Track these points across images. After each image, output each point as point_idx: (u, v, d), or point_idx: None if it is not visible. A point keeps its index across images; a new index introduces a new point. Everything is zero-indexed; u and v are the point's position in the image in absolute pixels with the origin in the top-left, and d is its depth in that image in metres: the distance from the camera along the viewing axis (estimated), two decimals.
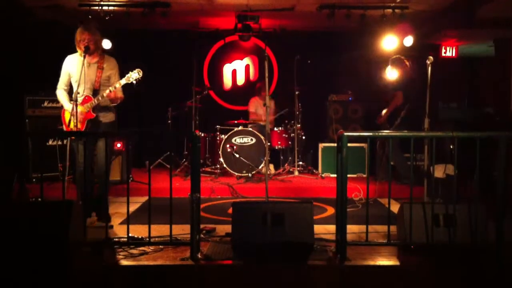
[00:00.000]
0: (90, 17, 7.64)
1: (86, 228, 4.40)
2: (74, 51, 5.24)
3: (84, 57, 5.07)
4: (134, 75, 5.10)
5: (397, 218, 4.53)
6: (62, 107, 5.38)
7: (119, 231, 4.99)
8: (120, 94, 5.26)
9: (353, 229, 4.81)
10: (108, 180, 5.41)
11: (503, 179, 4.16)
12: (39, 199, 4.77)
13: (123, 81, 5.09)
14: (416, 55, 7.63)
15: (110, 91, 5.07)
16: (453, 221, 4.18)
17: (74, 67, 5.19)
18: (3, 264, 3.70)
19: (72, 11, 7.83)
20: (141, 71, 5.11)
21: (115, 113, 5.41)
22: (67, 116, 5.20)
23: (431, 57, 5.39)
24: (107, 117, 5.30)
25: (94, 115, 5.15)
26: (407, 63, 7.30)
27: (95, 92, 5.15)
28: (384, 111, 7.48)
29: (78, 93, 5.06)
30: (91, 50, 5.11)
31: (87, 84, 5.16)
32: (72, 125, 5.03)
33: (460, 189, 4.31)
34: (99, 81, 5.19)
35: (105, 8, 7.69)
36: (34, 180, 7.33)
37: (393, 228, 4.45)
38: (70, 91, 5.30)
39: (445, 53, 8.72)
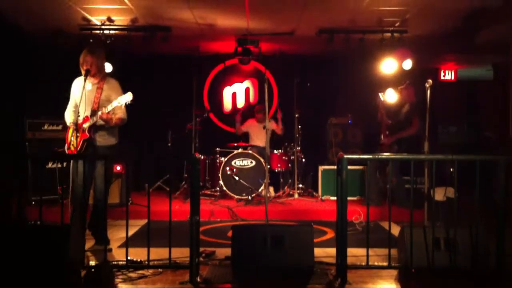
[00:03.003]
0: (91, 40, 7.70)
1: (85, 251, 4.37)
2: (75, 75, 5.29)
3: (85, 79, 5.11)
4: (123, 99, 5.07)
5: (397, 241, 4.51)
6: (63, 129, 5.40)
7: (118, 254, 4.96)
8: (120, 115, 5.24)
9: (353, 252, 4.77)
10: (106, 203, 5.39)
11: (503, 202, 4.16)
12: (38, 222, 4.74)
13: (115, 103, 5.08)
14: (415, 79, 7.68)
15: (103, 112, 5.07)
16: (454, 245, 4.16)
17: (77, 90, 5.24)
18: None
19: (73, 36, 7.90)
20: (131, 94, 5.08)
21: (116, 135, 5.38)
22: (69, 135, 5.22)
23: (430, 81, 5.43)
24: (104, 139, 5.26)
25: (88, 135, 5.13)
26: (413, 89, 7.38)
27: (93, 112, 5.16)
28: (385, 134, 7.49)
29: (79, 115, 5.10)
30: (92, 73, 5.16)
31: (88, 105, 5.19)
32: (71, 147, 5.07)
33: (460, 211, 4.29)
34: (98, 101, 5.19)
35: (106, 32, 7.76)
36: (33, 202, 7.30)
37: (393, 251, 4.43)
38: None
39: (444, 76, 8.79)
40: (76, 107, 5.28)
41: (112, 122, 5.18)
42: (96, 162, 5.16)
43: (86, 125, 5.14)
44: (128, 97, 5.08)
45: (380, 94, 7.52)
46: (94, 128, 5.18)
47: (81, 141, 5.14)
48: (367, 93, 8.31)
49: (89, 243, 5.30)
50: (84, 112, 5.18)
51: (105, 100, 5.20)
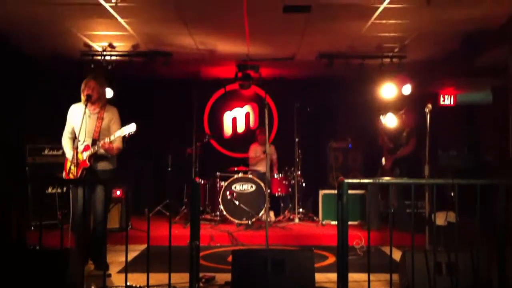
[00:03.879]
0: (92, 66, 7.76)
1: (84, 276, 4.34)
2: (75, 100, 5.31)
3: (86, 105, 5.13)
4: (127, 129, 5.10)
5: (399, 266, 4.48)
6: (63, 154, 5.41)
7: (118, 279, 4.92)
8: (118, 144, 5.24)
9: (354, 278, 4.74)
10: (105, 228, 5.38)
11: (504, 226, 4.14)
12: (37, 247, 4.72)
13: (118, 133, 5.10)
14: (414, 103, 7.71)
15: (105, 142, 5.08)
16: (456, 269, 4.13)
17: (75, 116, 5.24)
18: None
19: (75, 61, 7.97)
20: (135, 125, 5.10)
21: (114, 161, 5.39)
22: (68, 163, 5.22)
23: (429, 105, 5.46)
24: (103, 166, 5.28)
25: (89, 164, 5.15)
26: (411, 115, 7.43)
27: (94, 141, 5.18)
28: (387, 157, 7.50)
29: (79, 141, 5.11)
30: (93, 99, 5.18)
31: (88, 134, 5.20)
32: (70, 175, 5.07)
33: (462, 236, 4.27)
34: (98, 131, 5.21)
35: (107, 58, 7.82)
36: (32, 227, 7.27)
37: (395, 276, 4.39)
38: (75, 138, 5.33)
39: (443, 101, 8.81)
40: (73, 133, 5.29)
41: (113, 152, 5.21)
42: (96, 187, 5.16)
43: (86, 154, 5.15)
44: (132, 128, 5.09)
45: (381, 117, 7.54)
46: (94, 157, 5.19)
47: (81, 170, 5.15)
48: (367, 117, 8.35)
49: (89, 269, 5.27)
50: (84, 140, 5.19)
51: (105, 130, 5.22)
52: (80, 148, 5.17)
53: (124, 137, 5.16)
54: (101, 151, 5.16)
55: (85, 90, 5.19)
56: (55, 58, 8.02)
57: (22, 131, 7.86)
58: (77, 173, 5.12)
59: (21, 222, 6.88)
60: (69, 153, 5.26)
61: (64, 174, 5.33)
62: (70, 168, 5.14)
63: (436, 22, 6.38)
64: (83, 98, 5.22)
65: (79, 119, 5.15)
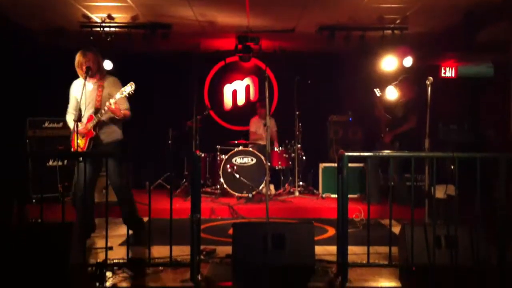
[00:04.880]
0: (91, 38, 7.70)
1: (86, 250, 4.37)
2: (75, 74, 5.28)
3: (85, 78, 5.10)
4: (127, 89, 5.11)
5: (398, 240, 4.50)
6: (63, 127, 5.41)
7: (119, 252, 4.95)
8: (124, 108, 5.25)
9: (354, 250, 4.77)
10: (131, 196, 5.49)
11: (504, 200, 4.15)
12: (39, 221, 4.75)
13: (118, 95, 5.10)
14: (415, 75, 7.67)
15: (110, 103, 5.07)
16: (455, 243, 4.15)
17: (77, 91, 5.23)
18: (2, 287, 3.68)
19: (74, 34, 7.90)
20: (134, 84, 5.11)
21: (120, 131, 5.40)
22: (74, 138, 5.22)
23: (430, 78, 5.42)
24: (110, 136, 5.29)
25: (94, 133, 5.16)
26: (408, 84, 7.37)
27: (97, 111, 5.18)
28: (385, 131, 7.49)
29: (83, 115, 5.12)
30: (93, 70, 5.16)
31: (90, 105, 5.20)
32: (78, 149, 5.09)
33: (461, 210, 4.29)
34: (100, 99, 5.20)
35: (106, 29, 7.75)
36: (34, 200, 7.31)
37: (394, 249, 4.42)
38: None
39: (444, 73, 8.75)
40: (77, 108, 5.28)
41: (120, 113, 5.20)
42: (104, 161, 5.16)
43: (91, 124, 5.15)
44: (130, 87, 5.11)
45: (376, 90, 7.52)
46: (99, 125, 5.19)
47: (88, 140, 5.16)
48: (367, 91, 8.29)
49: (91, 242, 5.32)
50: (86, 111, 5.19)
51: (107, 98, 5.19)
52: (84, 120, 5.17)
53: (126, 97, 5.17)
54: (105, 118, 5.17)
55: (83, 64, 5.15)
56: (55, 31, 7.94)
57: (23, 103, 7.85)
58: (84, 144, 5.14)
59: (22, 195, 6.91)
60: (73, 126, 5.26)
61: (71, 149, 5.32)
62: (77, 142, 5.14)
63: None
64: (80, 71, 5.19)
65: (80, 91, 5.14)
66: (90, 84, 5.24)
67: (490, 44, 7.70)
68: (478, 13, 6.91)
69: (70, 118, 5.35)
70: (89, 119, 5.18)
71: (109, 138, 5.28)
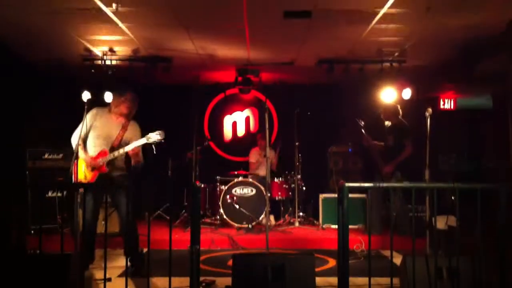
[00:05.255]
0: (93, 71, 7.78)
1: (84, 281, 4.33)
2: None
3: (110, 110, 5.26)
4: (154, 136, 5.11)
5: (399, 271, 4.47)
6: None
7: (117, 284, 4.90)
8: (140, 154, 5.31)
9: (355, 282, 4.73)
10: (136, 231, 5.47)
11: (504, 230, 4.13)
12: (38, 251, 4.71)
13: (143, 140, 5.13)
14: (415, 108, 7.73)
15: (135, 147, 5.13)
16: (457, 274, 4.12)
17: (98, 121, 5.30)
18: None
19: (75, 66, 7.98)
20: (163, 134, 5.13)
21: (124, 167, 5.44)
22: (80, 167, 5.23)
23: (430, 109, 5.47)
24: (117, 171, 5.35)
25: (107, 170, 5.19)
26: (399, 109, 7.45)
27: (113, 149, 5.24)
28: (381, 161, 7.52)
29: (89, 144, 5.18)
30: (127, 118, 5.35)
31: (107, 140, 5.25)
32: (81, 176, 5.11)
33: (463, 240, 4.27)
34: (120, 139, 5.29)
35: (108, 62, 7.84)
36: (32, 232, 7.27)
37: (396, 280, 4.38)
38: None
39: (443, 105, 8.82)
40: (87, 136, 5.30)
41: (139, 159, 5.28)
42: (116, 192, 5.17)
43: (104, 160, 5.18)
44: (159, 136, 5.13)
45: (358, 120, 7.60)
46: (111, 163, 5.23)
47: (97, 175, 5.18)
48: (367, 121, 8.34)
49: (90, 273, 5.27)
50: (99, 145, 5.24)
51: (125, 143, 5.27)
52: (92, 151, 5.22)
53: (151, 147, 5.18)
54: (119, 161, 5.25)
55: (129, 107, 5.35)
56: (56, 63, 8.03)
57: (22, 135, 7.87)
58: (92, 178, 5.15)
59: (21, 226, 6.88)
60: (84, 155, 5.26)
61: (73, 177, 5.32)
62: (84, 172, 5.17)
63: (436, 28, 6.41)
64: (116, 110, 5.33)
65: (102, 124, 5.27)
66: (112, 120, 5.31)
67: (488, 76, 7.78)
68: (476, 46, 7.00)
69: (78, 142, 5.31)
70: (102, 153, 5.21)
71: (119, 172, 5.35)
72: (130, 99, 5.39)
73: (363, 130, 7.67)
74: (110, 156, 5.17)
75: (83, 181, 5.16)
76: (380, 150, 7.59)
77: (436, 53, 7.61)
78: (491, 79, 7.85)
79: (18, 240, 6.03)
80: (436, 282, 4.12)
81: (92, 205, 4.94)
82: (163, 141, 5.13)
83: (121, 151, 5.16)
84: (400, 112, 7.50)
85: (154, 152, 5.23)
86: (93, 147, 5.21)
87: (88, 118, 5.33)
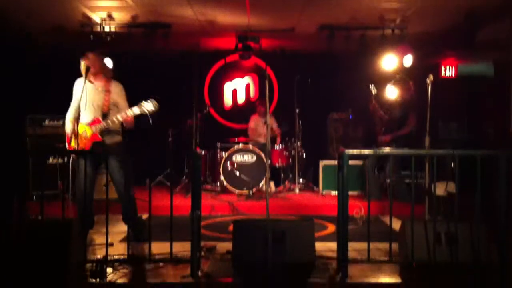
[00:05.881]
0: (91, 37, 7.70)
1: (86, 246, 4.38)
2: (75, 72, 5.29)
3: (86, 76, 5.11)
4: (148, 106, 5.10)
5: (398, 236, 4.52)
6: (63, 125, 5.42)
7: (119, 249, 4.96)
8: (133, 121, 5.27)
9: (354, 247, 4.78)
10: (133, 198, 5.48)
11: (504, 197, 4.16)
12: (39, 218, 4.75)
13: (136, 109, 5.10)
14: (416, 74, 7.68)
15: (127, 114, 5.10)
16: (455, 240, 4.16)
17: (79, 91, 5.25)
18: (2, 284, 3.68)
19: (74, 33, 7.90)
20: (157, 104, 5.11)
21: (120, 134, 5.43)
22: (71, 138, 5.24)
23: (431, 76, 5.44)
24: (113, 139, 5.32)
25: (101, 138, 5.19)
26: (411, 83, 7.39)
27: (104, 115, 5.20)
28: (381, 131, 7.53)
29: (84, 110, 5.13)
30: (93, 71, 5.18)
31: (96, 108, 5.21)
32: (73, 144, 5.08)
33: (461, 207, 4.30)
34: (108, 104, 5.23)
35: (106, 29, 7.75)
36: (34, 197, 7.32)
37: (394, 245, 4.44)
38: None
39: (444, 72, 8.76)
40: (78, 108, 5.29)
41: (132, 125, 5.24)
42: (109, 159, 5.16)
43: (97, 128, 5.16)
44: (151, 105, 5.11)
45: (371, 86, 7.56)
46: (106, 131, 5.22)
47: (92, 143, 5.17)
48: (368, 89, 8.30)
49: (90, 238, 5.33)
50: (90, 112, 5.19)
51: (113, 105, 5.24)
52: (86, 120, 5.18)
53: (146, 116, 5.15)
54: (113, 126, 5.20)
55: (85, 63, 5.17)
56: (55, 30, 7.94)
57: (23, 102, 7.85)
58: (87, 147, 5.15)
59: (23, 192, 6.93)
60: (68, 127, 5.27)
61: (66, 146, 5.33)
62: (71, 139, 5.15)
63: None
64: (84, 73, 5.22)
65: (86, 92, 5.17)
66: (94, 86, 5.24)
67: (490, 43, 7.71)
68: (479, 12, 6.91)
69: (68, 116, 5.36)
70: (95, 122, 5.19)
71: (112, 140, 5.31)
72: (85, 57, 5.22)
73: (373, 99, 7.65)
74: (104, 124, 5.15)
75: (74, 147, 5.14)
76: (385, 122, 7.59)
77: (438, 19, 7.52)
78: (493, 46, 7.78)
79: (19, 206, 6.07)
80: (435, 247, 4.17)
81: (87, 172, 4.95)
82: (155, 111, 5.09)
83: (114, 119, 5.13)
84: (413, 89, 7.45)
85: (151, 123, 5.22)
86: (86, 117, 5.17)
87: (74, 91, 5.34)
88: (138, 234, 5.24)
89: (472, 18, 7.16)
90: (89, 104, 5.18)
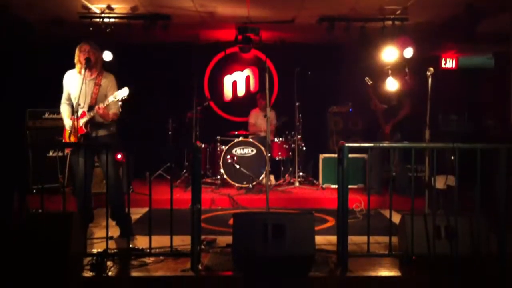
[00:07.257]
0: (91, 29, 7.67)
1: (86, 239, 4.39)
2: (74, 65, 5.26)
3: (85, 69, 5.08)
4: (121, 94, 5.04)
5: (398, 229, 4.52)
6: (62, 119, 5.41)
7: (120, 242, 4.97)
8: (114, 110, 5.21)
9: (354, 240, 4.79)
10: (120, 192, 5.39)
11: (504, 190, 4.16)
12: (40, 211, 4.76)
13: (111, 98, 5.05)
14: (416, 67, 7.66)
15: (99, 107, 5.04)
16: (455, 233, 4.17)
17: (71, 83, 5.22)
18: (3, 277, 3.69)
19: (73, 25, 7.86)
20: (128, 89, 5.02)
21: (113, 126, 5.37)
22: (67, 132, 5.23)
23: (431, 69, 5.42)
24: (101, 131, 5.26)
25: (85, 130, 5.14)
26: (407, 70, 7.40)
27: (91, 108, 5.14)
28: (383, 122, 7.53)
29: (79, 104, 5.10)
30: (92, 62, 5.12)
31: (85, 100, 5.17)
32: (71, 139, 5.08)
33: (461, 200, 4.30)
34: (95, 97, 5.16)
35: (106, 20, 7.72)
36: (34, 191, 7.32)
37: (394, 239, 4.44)
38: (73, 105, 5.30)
39: (445, 64, 8.74)
40: (70, 100, 5.26)
41: (108, 118, 5.17)
42: (99, 152, 5.14)
43: (83, 121, 5.13)
44: (125, 92, 5.03)
45: (367, 79, 7.56)
46: (91, 123, 5.17)
47: (78, 137, 5.13)
48: (364, 81, 8.29)
49: (90, 231, 5.34)
50: (82, 106, 5.17)
51: (102, 96, 5.18)
52: (79, 114, 5.15)
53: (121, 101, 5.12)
54: (98, 117, 5.14)
55: (81, 55, 5.14)
56: (54, 22, 7.90)
57: (22, 95, 7.83)
58: (75, 140, 5.12)
59: (23, 186, 6.92)
60: (67, 121, 5.25)
61: (63, 140, 5.33)
62: (69, 134, 5.14)
63: None
64: (79, 65, 5.17)
65: (75, 85, 5.16)
66: (84, 77, 5.17)
67: (490, 35, 7.69)
68: (479, 4, 6.88)
69: (64, 109, 5.35)
70: (82, 115, 5.16)
71: (100, 133, 5.25)
72: (84, 44, 5.18)
73: (370, 91, 7.67)
74: (88, 116, 5.11)
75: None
76: (384, 111, 7.59)
77: (439, 11, 7.48)
78: (493, 38, 7.76)
79: (19, 199, 6.07)
80: (434, 240, 4.17)
81: (81, 165, 4.94)
82: (126, 96, 5.03)
83: (95, 109, 5.09)
84: (408, 73, 7.46)
85: (120, 110, 5.22)
86: (76, 110, 5.14)
87: (63, 83, 5.31)
88: (124, 230, 5.17)
89: (472, 9, 7.13)
90: (78, 98, 5.13)
